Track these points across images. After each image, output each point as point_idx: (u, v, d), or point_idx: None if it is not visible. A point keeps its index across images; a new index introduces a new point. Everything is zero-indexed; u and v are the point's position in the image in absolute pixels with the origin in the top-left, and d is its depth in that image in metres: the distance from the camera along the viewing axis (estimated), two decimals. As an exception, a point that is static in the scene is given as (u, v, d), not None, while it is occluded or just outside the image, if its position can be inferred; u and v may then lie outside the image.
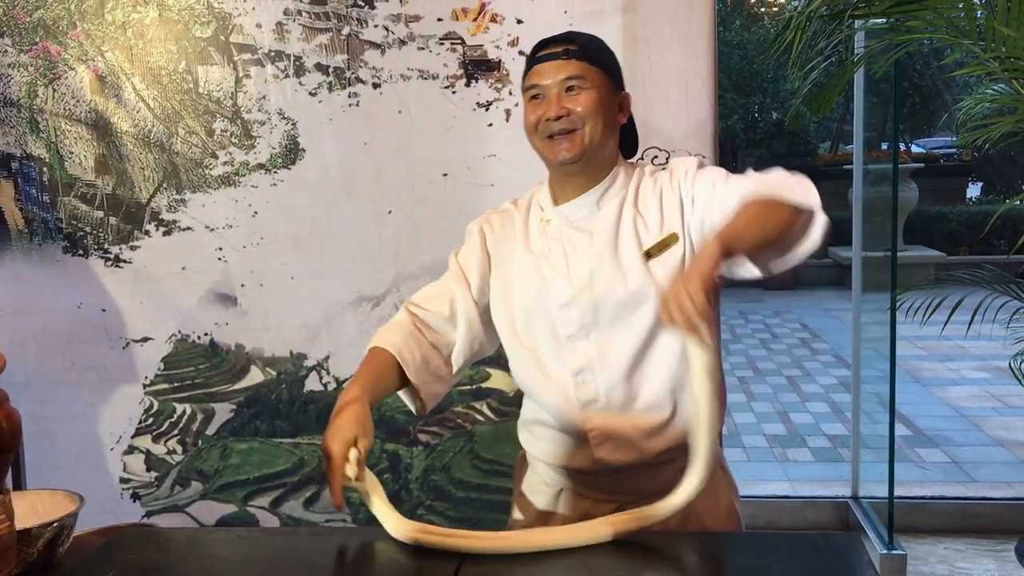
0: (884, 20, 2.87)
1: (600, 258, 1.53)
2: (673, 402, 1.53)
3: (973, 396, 5.61)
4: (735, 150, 13.43)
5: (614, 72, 1.59)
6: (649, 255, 1.52)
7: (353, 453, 1.38)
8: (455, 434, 2.51)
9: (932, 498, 3.84)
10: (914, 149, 13.77)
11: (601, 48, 1.59)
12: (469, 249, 1.66)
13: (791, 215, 1.37)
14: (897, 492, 3.36)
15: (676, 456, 1.48)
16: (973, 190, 13.68)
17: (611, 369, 1.53)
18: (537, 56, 1.57)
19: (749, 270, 1.41)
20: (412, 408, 1.60)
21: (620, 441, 1.54)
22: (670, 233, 1.52)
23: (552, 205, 1.61)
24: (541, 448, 1.64)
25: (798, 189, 1.40)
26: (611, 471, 1.55)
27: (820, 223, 1.39)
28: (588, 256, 1.54)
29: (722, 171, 1.54)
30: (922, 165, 10.67)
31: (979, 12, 2.64)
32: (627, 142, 1.65)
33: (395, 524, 1.39)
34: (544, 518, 1.63)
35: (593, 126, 1.52)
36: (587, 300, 1.53)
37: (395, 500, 2.53)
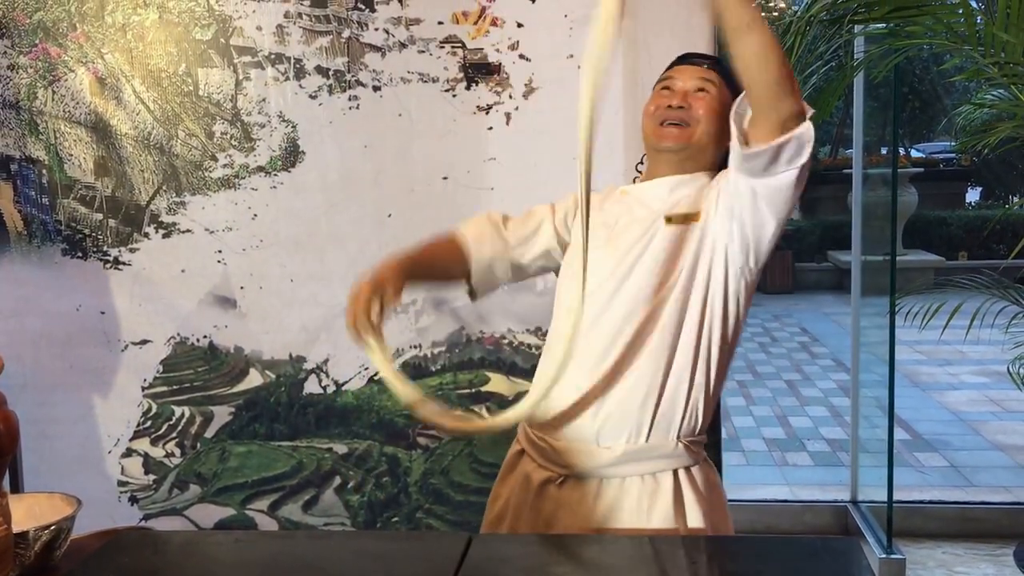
0: (884, 25, 2.88)
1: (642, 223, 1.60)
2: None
3: (972, 400, 5.61)
4: (735, 154, 13.40)
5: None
6: (669, 220, 1.58)
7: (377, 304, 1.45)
8: (454, 437, 2.51)
9: (931, 502, 3.84)
10: (913, 154, 13.76)
11: (736, 78, 1.68)
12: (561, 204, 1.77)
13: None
14: (896, 496, 3.36)
15: (613, 445, 1.57)
16: (972, 195, 13.69)
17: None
18: (681, 57, 1.71)
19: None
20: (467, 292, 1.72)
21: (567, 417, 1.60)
22: (696, 210, 1.58)
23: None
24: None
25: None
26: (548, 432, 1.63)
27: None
28: (637, 222, 1.61)
29: None
30: (921, 170, 10.68)
31: (978, 18, 2.66)
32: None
33: (401, 389, 1.48)
34: (505, 475, 1.76)
35: (705, 130, 1.61)
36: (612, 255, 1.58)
37: (394, 503, 2.55)
